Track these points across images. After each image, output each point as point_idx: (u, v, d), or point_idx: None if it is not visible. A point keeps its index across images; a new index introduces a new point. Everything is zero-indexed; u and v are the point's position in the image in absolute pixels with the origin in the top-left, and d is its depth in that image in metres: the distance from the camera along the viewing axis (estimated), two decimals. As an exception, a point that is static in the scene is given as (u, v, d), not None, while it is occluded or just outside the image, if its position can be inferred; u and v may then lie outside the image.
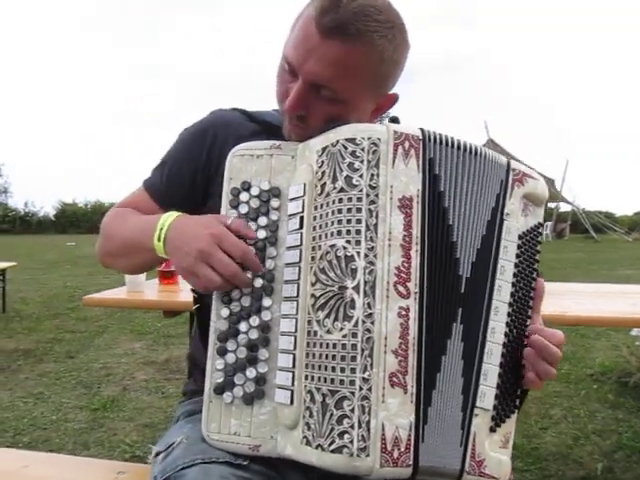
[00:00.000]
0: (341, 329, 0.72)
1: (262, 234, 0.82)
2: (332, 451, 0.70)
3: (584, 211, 26.81)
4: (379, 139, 0.75)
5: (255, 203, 0.84)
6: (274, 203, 0.83)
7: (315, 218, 0.78)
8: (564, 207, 28.08)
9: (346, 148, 0.76)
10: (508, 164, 0.85)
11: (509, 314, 0.82)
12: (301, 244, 0.79)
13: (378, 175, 0.74)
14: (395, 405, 0.70)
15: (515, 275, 0.84)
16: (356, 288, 0.72)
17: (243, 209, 0.84)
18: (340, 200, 0.75)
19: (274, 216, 0.83)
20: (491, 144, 21.40)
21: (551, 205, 25.59)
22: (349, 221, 0.74)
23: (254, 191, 0.84)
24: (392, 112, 0.96)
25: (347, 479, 0.72)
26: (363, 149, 0.75)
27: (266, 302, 0.81)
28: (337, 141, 0.77)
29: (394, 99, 0.94)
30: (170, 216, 0.87)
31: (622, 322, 1.97)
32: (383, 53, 0.83)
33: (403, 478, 0.71)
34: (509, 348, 0.82)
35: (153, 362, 4.00)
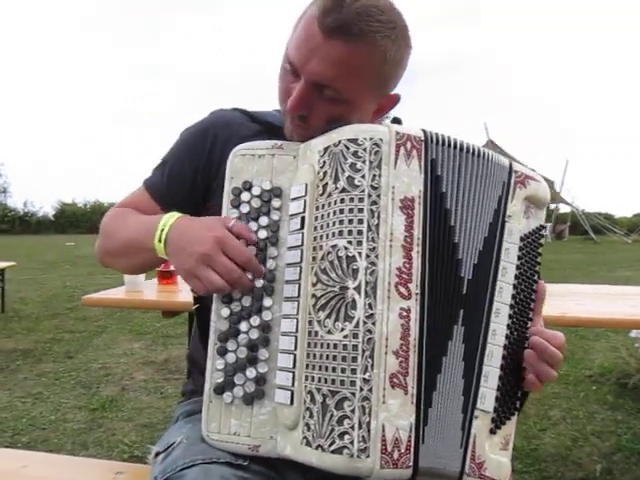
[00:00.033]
0: (342, 329, 0.72)
1: (263, 234, 0.82)
2: (332, 452, 0.70)
3: (583, 212, 26.85)
4: (381, 140, 0.75)
5: (256, 203, 0.84)
6: (275, 203, 0.83)
7: (316, 218, 0.78)
8: (563, 208, 28.14)
9: (348, 148, 0.76)
10: (510, 166, 0.84)
11: (510, 316, 0.82)
12: (302, 244, 0.79)
13: (380, 176, 0.74)
14: (396, 406, 0.70)
15: (516, 277, 0.83)
16: (357, 289, 0.72)
17: (244, 209, 0.84)
18: (342, 200, 0.75)
19: (275, 216, 0.83)
20: (491, 145, 21.42)
21: (550, 206, 25.60)
22: (351, 221, 0.74)
23: (255, 191, 0.84)
24: (394, 113, 0.96)
25: (347, 480, 0.72)
26: (365, 149, 0.75)
27: (267, 302, 0.81)
28: (339, 141, 0.77)
29: (396, 100, 0.93)
30: (171, 217, 0.87)
31: (621, 323, 1.97)
32: (386, 53, 0.83)
33: (403, 479, 0.71)
34: (510, 350, 0.82)
35: (152, 362, 4.00)
